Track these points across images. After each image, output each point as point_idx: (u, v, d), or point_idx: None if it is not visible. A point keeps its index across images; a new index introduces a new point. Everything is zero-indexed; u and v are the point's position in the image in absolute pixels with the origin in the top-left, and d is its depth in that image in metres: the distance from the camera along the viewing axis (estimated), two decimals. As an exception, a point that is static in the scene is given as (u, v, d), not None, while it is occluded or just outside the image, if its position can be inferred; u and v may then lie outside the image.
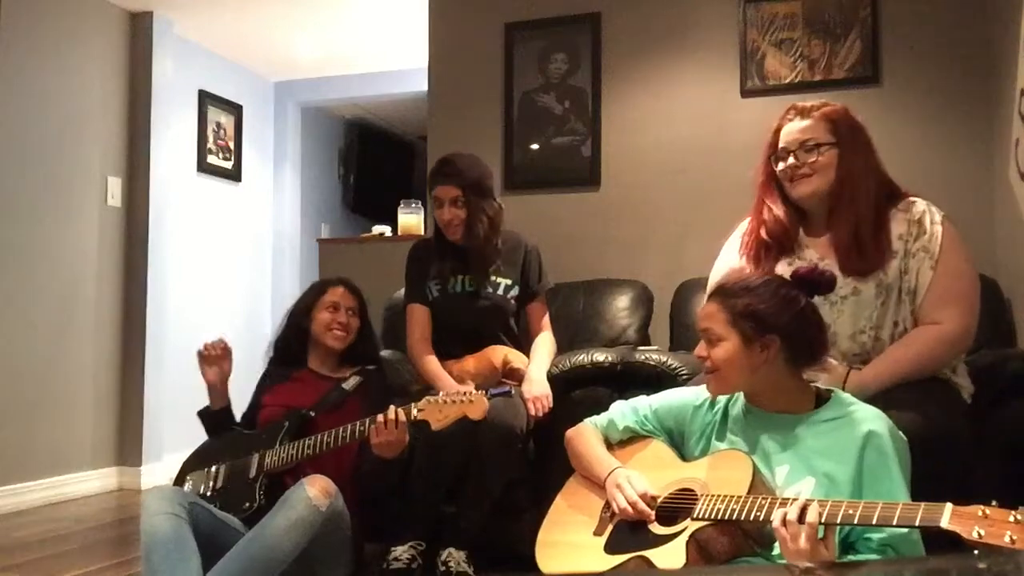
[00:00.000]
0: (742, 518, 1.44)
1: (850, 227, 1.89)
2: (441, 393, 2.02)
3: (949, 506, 1.23)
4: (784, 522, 1.35)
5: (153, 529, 1.87)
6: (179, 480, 2.31)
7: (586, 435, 1.85)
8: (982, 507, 1.20)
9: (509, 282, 2.62)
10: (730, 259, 2.13)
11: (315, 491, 1.94)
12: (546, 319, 2.68)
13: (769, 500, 1.42)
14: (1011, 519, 1.17)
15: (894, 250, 1.88)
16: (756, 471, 1.51)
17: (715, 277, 2.17)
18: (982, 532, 1.17)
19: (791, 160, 1.96)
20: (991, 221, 2.91)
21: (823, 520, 1.33)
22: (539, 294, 2.69)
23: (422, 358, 2.54)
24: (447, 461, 2.25)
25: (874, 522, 1.30)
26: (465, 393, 1.98)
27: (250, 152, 5.34)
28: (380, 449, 2.04)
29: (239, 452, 2.23)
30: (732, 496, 1.47)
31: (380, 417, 2.02)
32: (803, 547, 1.31)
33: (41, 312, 3.83)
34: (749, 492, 1.46)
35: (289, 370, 2.42)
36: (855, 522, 1.31)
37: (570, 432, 1.89)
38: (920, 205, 1.93)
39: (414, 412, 2.01)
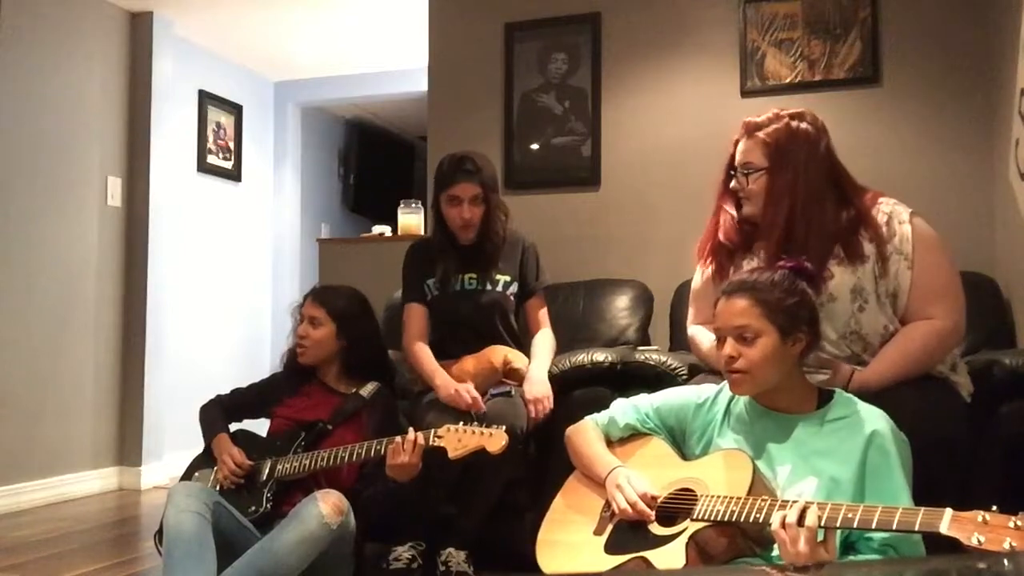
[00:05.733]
0: (741, 520, 1.43)
1: (774, 247, 1.87)
2: (461, 423, 2.01)
3: (949, 511, 1.23)
4: (783, 525, 1.35)
5: (179, 525, 1.89)
6: (187, 476, 2.31)
7: (586, 433, 1.85)
8: (982, 512, 1.20)
9: (508, 279, 2.62)
10: (704, 277, 2.15)
11: (328, 508, 1.94)
12: (545, 316, 2.68)
13: (769, 502, 1.42)
14: (1011, 525, 1.17)
15: (865, 255, 1.87)
16: (756, 471, 1.51)
17: (696, 289, 2.19)
18: (982, 538, 1.17)
19: (733, 183, 2.01)
20: (991, 221, 2.91)
21: (822, 523, 1.33)
22: (537, 291, 2.69)
23: (418, 355, 2.53)
24: (447, 462, 2.25)
25: (873, 526, 1.30)
26: (487, 426, 1.97)
27: (250, 152, 5.34)
28: (394, 471, 2.04)
29: (251, 455, 2.22)
30: (732, 497, 1.47)
31: (399, 438, 2.02)
32: (802, 550, 1.31)
33: (41, 312, 3.83)
34: (749, 493, 1.46)
35: (299, 382, 2.39)
36: (854, 526, 1.31)
37: (570, 429, 1.89)
38: (886, 207, 1.92)
39: (432, 438, 2.00)
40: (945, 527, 1.21)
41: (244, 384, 2.47)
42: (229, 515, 2.03)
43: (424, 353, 2.53)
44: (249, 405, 2.42)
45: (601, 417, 1.87)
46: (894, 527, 1.27)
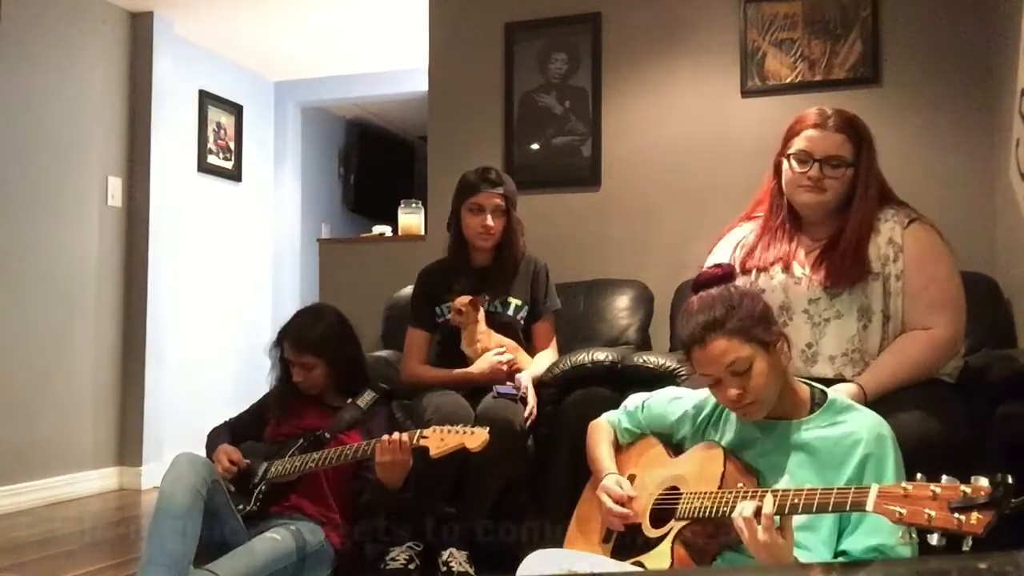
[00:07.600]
0: (716, 515, 1.44)
1: (844, 241, 1.87)
2: (447, 426, 2.02)
3: (875, 487, 1.22)
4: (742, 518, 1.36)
5: (172, 494, 1.93)
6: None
7: (597, 433, 1.87)
8: (903, 485, 1.19)
9: (520, 303, 2.63)
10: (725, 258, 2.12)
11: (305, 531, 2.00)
12: (553, 341, 2.68)
13: (734, 495, 1.43)
14: (930, 494, 1.14)
15: (875, 271, 1.86)
16: (727, 462, 1.52)
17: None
18: (903, 512, 1.15)
19: (813, 170, 1.89)
20: (991, 221, 2.91)
21: (772, 510, 1.33)
22: (546, 314, 2.68)
23: (422, 374, 2.57)
24: (446, 462, 2.25)
25: (814, 510, 1.30)
26: (466, 426, 1.99)
27: (250, 152, 5.33)
28: (383, 470, 2.05)
29: (253, 456, 2.26)
30: (707, 492, 1.48)
31: (385, 437, 2.04)
32: (762, 539, 1.31)
33: (41, 312, 3.83)
34: (720, 486, 1.48)
35: (293, 400, 2.40)
36: (799, 511, 1.32)
37: (591, 425, 1.90)
38: (888, 213, 1.91)
39: (417, 438, 2.02)
40: (871, 505, 1.20)
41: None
42: (224, 498, 2.07)
43: (428, 370, 2.57)
44: (253, 426, 2.44)
45: (612, 416, 1.89)
46: (831, 508, 1.27)
